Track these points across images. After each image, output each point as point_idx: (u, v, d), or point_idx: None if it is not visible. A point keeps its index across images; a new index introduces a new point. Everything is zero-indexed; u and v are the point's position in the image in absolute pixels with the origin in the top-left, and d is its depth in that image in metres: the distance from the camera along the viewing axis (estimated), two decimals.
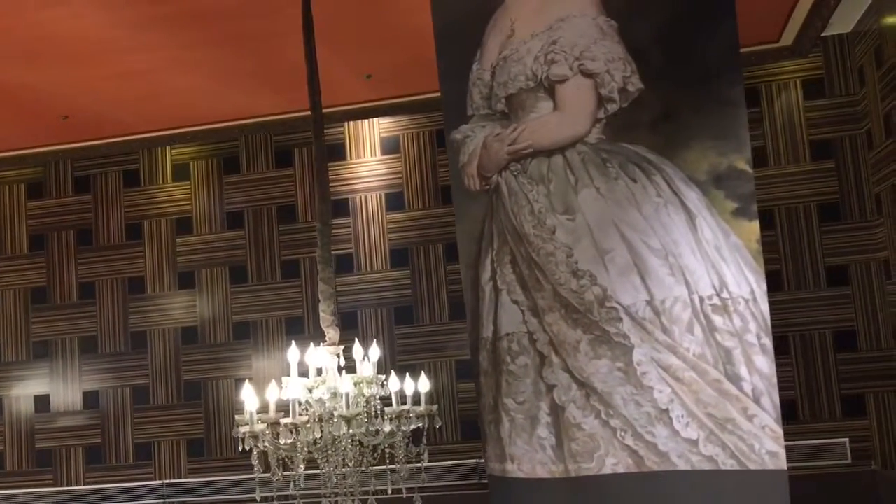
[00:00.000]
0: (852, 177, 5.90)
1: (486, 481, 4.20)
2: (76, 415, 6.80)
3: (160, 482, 6.64)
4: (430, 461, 5.16)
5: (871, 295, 5.80)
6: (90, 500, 6.72)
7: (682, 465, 3.34)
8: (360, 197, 6.60)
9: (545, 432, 3.54)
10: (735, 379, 3.31)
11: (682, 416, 3.33)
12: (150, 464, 6.68)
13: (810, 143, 5.99)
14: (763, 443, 3.28)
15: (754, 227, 3.32)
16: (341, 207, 6.59)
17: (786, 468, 3.28)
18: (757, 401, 3.30)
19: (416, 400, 3.95)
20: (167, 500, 6.62)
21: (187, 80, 5.68)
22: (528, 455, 3.59)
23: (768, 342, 3.30)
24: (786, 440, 5.64)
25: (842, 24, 5.74)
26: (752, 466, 3.29)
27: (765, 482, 3.28)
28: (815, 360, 5.85)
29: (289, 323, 6.55)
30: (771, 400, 3.29)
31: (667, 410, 3.34)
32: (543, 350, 3.54)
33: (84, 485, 6.74)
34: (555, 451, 3.54)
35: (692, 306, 3.34)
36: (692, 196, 3.35)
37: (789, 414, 5.80)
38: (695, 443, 3.35)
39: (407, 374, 4.14)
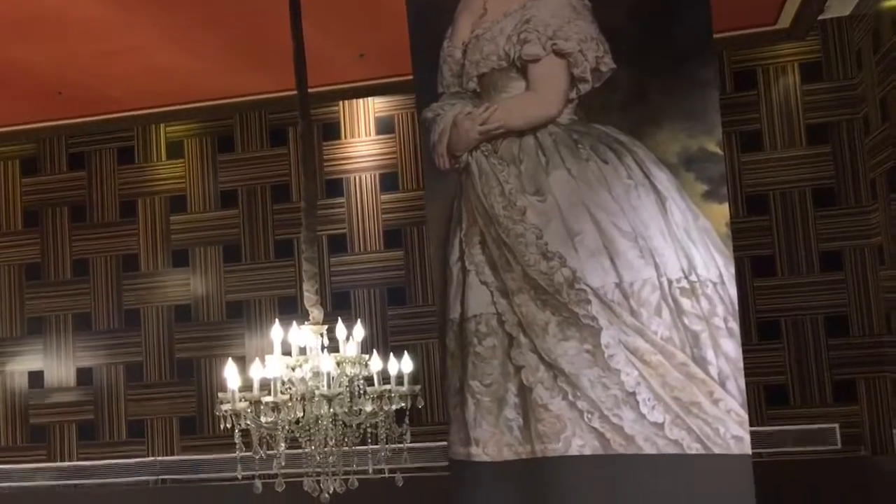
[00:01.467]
0: (848, 161, 5.86)
1: None
2: (70, 391, 6.87)
3: (153, 459, 6.71)
4: (419, 442, 5.21)
5: (864, 280, 5.77)
6: (84, 476, 6.79)
7: (647, 449, 3.36)
8: (354, 177, 6.61)
9: (513, 413, 3.56)
10: (702, 362, 3.32)
11: (649, 400, 3.34)
12: (143, 441, 6.74)
13: (807, 128, 5.95)
14: (728, 427, 3.29)
15: (724, 210, 3.31)
16: (335, 188, 6.61)
17: (750, 453, 3.29)
18: (723, 384, 3.31)
19: (401, 380, 3.97)
20: (160, 477, 6.69)
21: (179, 57, 5.69)
22: (495, 437, 3.61)
23: (735, 326, 3.30)
24: (776, 425, 5.74)
25: (840, 6, 5.69)
26: (716, 450, 3.30)
27: (729, 466, 3.29)
28: (806, 346, 5.84)
29: (282, 302, 6.58)
30: (737, 384, 3.30)
31: (633, 393, 3.36)
32: (512, 331, 3.56)
33: (78, 460, 6.81)
34: (522, 432, 3.57)
35: (661, 289, 3.34)
36: (662, 178, 3.35)
37: (780, 399, 5.82)
38: (661, 426, 3.36)
39: (391, 355, 4.16)
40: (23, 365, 6.94)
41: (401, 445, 4.11)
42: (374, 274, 6.51)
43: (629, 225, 3.38)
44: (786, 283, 5.89)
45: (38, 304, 6.94)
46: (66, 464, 6.81)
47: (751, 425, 5.64)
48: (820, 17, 5.72)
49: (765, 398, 5.84)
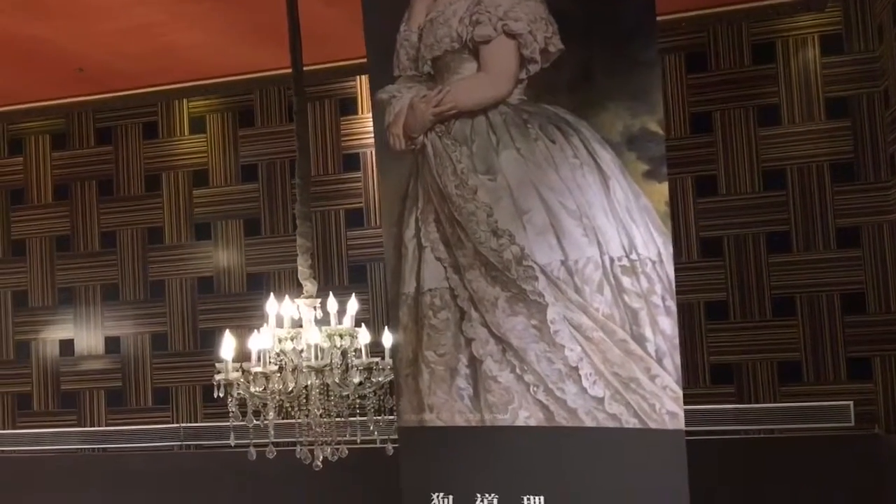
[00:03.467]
0: (868, 136, 5.84)
1: None
2: (99, 359, 7.30)
3: (177, 425, 7.10)
4: None
5: (881, 257, 5.78)
6: (112, 441, 7.24)
7: (588, 422, 3.54)
8: (371, 152, 6.81)
9: (464, 383, 3.78)
10: (640, 339, 3.48)
11: (591, 375, 3.52)
12: (168, 408, 7.14)
13: (826, 101, 5.94)
14: (664, 403, 3.45)
15: (663, 189, 3.44)
16: (353, 162, 6.84)
17: (684, 428, 3.44)
18: (659, 361, 3.46)
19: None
20: (184, 443, 7.09)
21: (197, 34, 5.97)
22: (448, 404, 3.84)
23: (672, 304, 3.44)
24: (789, 401, 5.82)
25: None
26: (652, 425, 3.46)
27: (664, 441, 3.45)
28: (821, 322, 5.88)
29: None
30: (672, 361, 3.44)
31: (576, 368, 3.54)
32: (464, 305, 3.77)
33: (106, 426, 7.25)
34: (472, 402, 3.79)
35: (603, 267, 3.50)
36: (606, 158, 3.49)
37: (793, 375, 5.89)
38: (601, 401, 3.54)
39: (386, 328, 4.40)
40: (54, 334, 7.39)
41: (392, 417, 4.37)
42: None
43: (575, 204, 3.54)
44: (802, 259, 5.93)
45: (68, 275, 7.37)
46: (95, 429, 7.25)
47: (762, 402, 5.83)
48: None
49: (778, 375, 5.91)
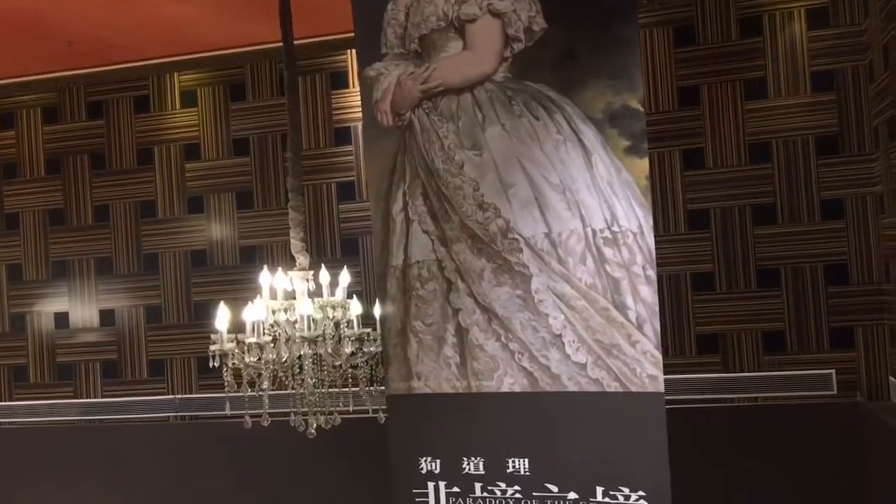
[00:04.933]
0: (853, 109, 6.02)
1: None
2: (94, 331, 7.49)
3: (172, 397, 7.31)
4: None
5: (865, 229, 5.97)
6: (108, 412, 7.44)
7: (571, 387, 3.76)
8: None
9: (451, 351, 3.99)
10: (621, 307, 3.69)
11: (574, 342, 3.73)
12: (163, 379, 7.34)
13: (812, 75, 6.10)
14: (644, 367, 3.66)
15: (644, 164, 3.63)
16: (344, 136, 7.00)
17: (663, 391, 3.66)
18: (640, 328, 3.67)
19: None
20: (179, 414, 7.29)
21: (187, 8, 6.08)
22: (435, 372, 4.06)
23: (652, 273, 3.65)
24: (772, 370, 6.04)
25: None
26: (633, 389, 3.68)
27: (645, 403, 3.67)
28: (805, 293, 6.08)
29: None
30: (652, 327, 3.65)
31: (560, 336, 3.76)
32: (451, 277, 3.98)
33: (102, 397, 7.45)
34: (459, 369, 4.01)
35: (585, 239, 3.71)
36: (589, 133, 3.68)
37: (777, 345, 6.10)
38: (584, 366, 3.75)
39: (377, 300, 4.58)
40: (49, 307, 7.57)
41: (382, 388, 4.56)
42: None
43: (558, 178, 3.74)
44: (787, 231, 6.12)
45: (62, 248, 7.54)
46: (91, 400, 7.45)
47: (747, 371, 6.04)
48: None
49: (763, 344, 6.13)
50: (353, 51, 6.97)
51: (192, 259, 7.30)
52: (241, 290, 7.15)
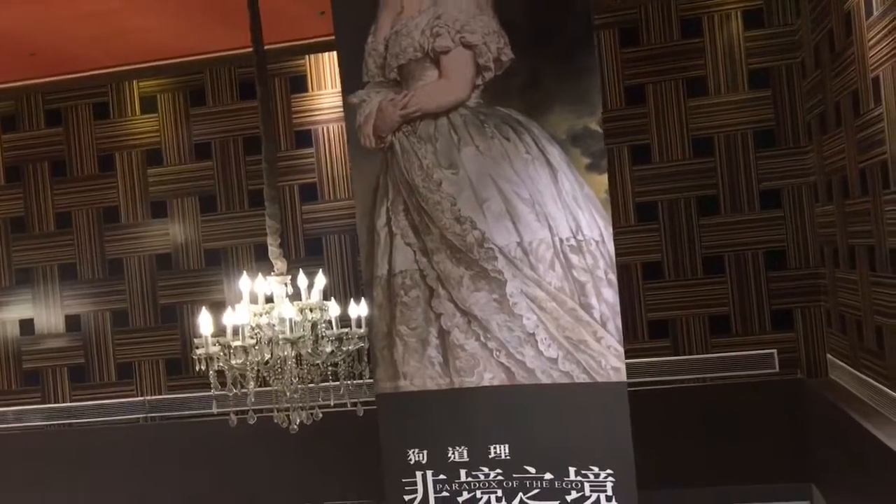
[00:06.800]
0: (787, 105, 6.64)
1: None
2: (60, 337, 7.81)
3: (141, 398, 7.68)
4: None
5: (801, 217, 6.61)
6: (77, 416, 7.78)
7: (544, 380, 4.35)
8: (323, 128, 7.42)
9: (434, 352, 4.54)
10: (587, 307, 4.27)
11: (546, 339, 4.32)
12: (132, 382, 7.70)
13: (749, 73, 6.70)
14: (608, 360, 4.26)
15: (603, 179, 4.22)
16: (305, 138, 7.42)
17: (626, 380, 4.26)
18: (604, 325, 4.26)
19: (360, 323, 4.84)
20: (149, 415, 7.68)
21: (150, 19, 6.44)
22: (420, 371, 4.60)
23: (613, 277, 4.24)
24: (719, 352, 6.67)
25: None
26: (599, 379, 4.28)
27: (609, 392, 4.28)
28: (748, 278, 6.70)
29: (258, 249, 7.41)
30: (615, 324, 4.24)
31: (533, 334, 4.34)
32: (432, 284, 4.53)
33: (70, 402, 7.80)
34: (442, 368, 4.55)
35: (554, 247, 4.29)
36: (554, 153, 4.26)
37: (723, 328, 6.73)
38: (555, 361, 4.34)
39: (352, 300, 5.05)
40: (14, 314, 7.86)
41: (361, 381, 5.03)
42: (344, 220, 7.33)
43: (528, 193, 4.31)
44: (729, 220, 6.73)
45: (25, 255, 7.83)
46: (60, 405, 7.79)
47: (696, 353, 6.65)
48: None
49: (710, 328, 6.75)
50: (311, 56, 7.42)
51: (157, 263, 7.66)
52: (207, 292, 7.56)
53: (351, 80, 4.70)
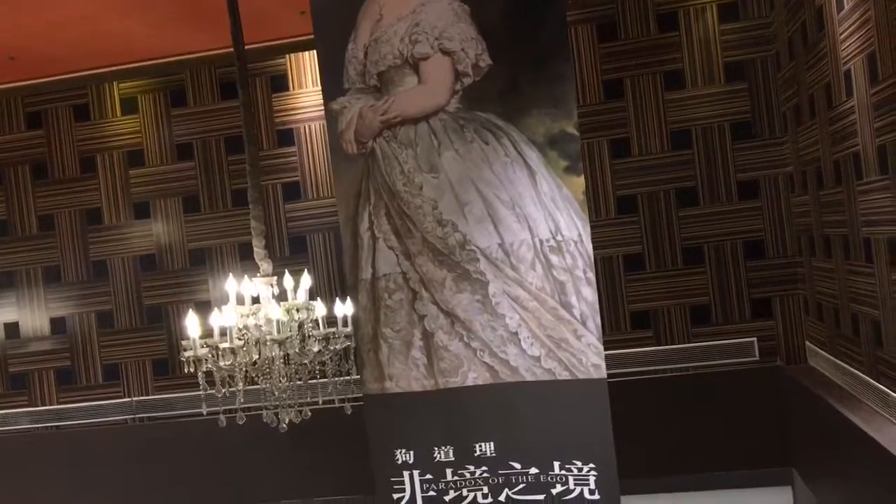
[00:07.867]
0: (763, 97, 6.79)
1: None
2: (45, 340, 7.90)
3: (129, 399, 7.79)
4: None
5: (778, 207, 6.77)
6: (64, 418, 7.89)
7: (528, 377, 4.50)
8: (304, 126, 7.52)
9: (418, 354, 4.68)
10: (567, 306, 4.42)
11: (528, 338, 4.46)
12: (119, 383, 7.80)
13: (725, 66, 6.85)
14: (589, 357, 4.41)
15: (580, 181, 4.36)
16: (287, 137, 7.52)
17: (606, 376, 4.41)
18: (584, 323, 4.41)
19: (346, 322, 4.97)
20: (136, 416, 7.79)
21: (129, 23, 6.51)
22: (405, 373, 4.74)
23: (592, 276, 4.39)
24: (700, 341, 6.85)
25: None
26: (580, 376, 4.43)
27: (590, 388, 4.43)
28: (727, 268, 6.87)
29: (242, 248, 7.50)
30: (594, 322, 4.40)
31: (516, 333, 4.48)
32: (415, 287, 4.66)
33: (58, 404, 7.90)
34: (427, 369, 4.69)
35: (534, 248, 4.43)
36: (532, 156, 4.39)
37: (703, 317, 6.89)
38: (538, 359, 4.49)
39: (337, 299, 5.18)
40: None
41: (348, 378, 5.16)
42: (326, 219, 7.44)
43: (508, 195, 4.44)
44: (708, 211, 6.88)
45: (8, 258, 7.91)
46: (47, 408, 7.89)
47: (678, 343, 6.82)
48: None
49: (690, 317, 6.91)
50: (292, 55, 7.51)
51: (141, 264, 7.75)
52: (192, 291, 7.66)
53: (332, 87, 4.81)
